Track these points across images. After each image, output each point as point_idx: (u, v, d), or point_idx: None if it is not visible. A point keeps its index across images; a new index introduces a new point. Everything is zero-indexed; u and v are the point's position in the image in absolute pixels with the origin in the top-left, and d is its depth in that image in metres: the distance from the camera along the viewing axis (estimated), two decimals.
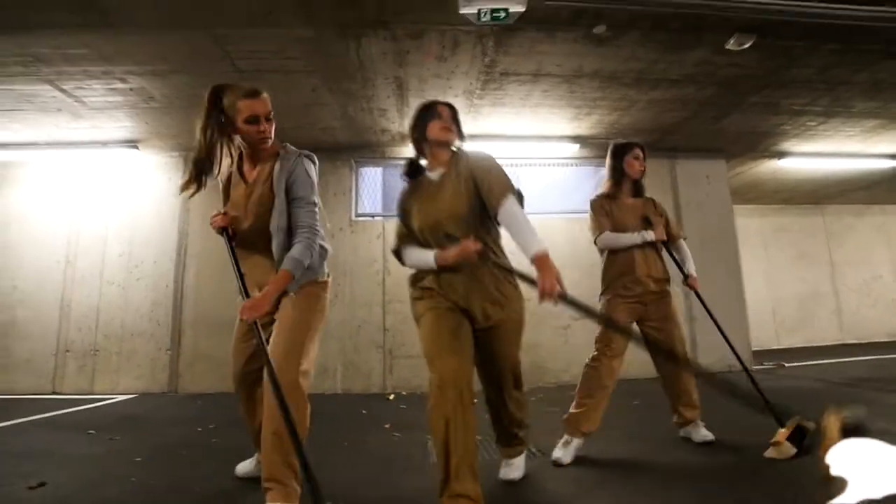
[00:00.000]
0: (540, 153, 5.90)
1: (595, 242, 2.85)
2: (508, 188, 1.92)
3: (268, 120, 2.01)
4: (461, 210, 1.99)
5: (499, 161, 2.04)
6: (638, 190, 2.95)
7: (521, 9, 3.07)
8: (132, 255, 5.57)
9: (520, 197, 1.94)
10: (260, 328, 1.85)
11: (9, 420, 3.82)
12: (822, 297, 9.34)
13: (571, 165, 6.16)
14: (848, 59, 4.10)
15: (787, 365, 6.01)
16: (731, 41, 3.70)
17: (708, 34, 3.65)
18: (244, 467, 2.38)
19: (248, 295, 1.94)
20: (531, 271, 1.78)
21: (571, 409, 2.62)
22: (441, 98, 2.23)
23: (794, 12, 3.18)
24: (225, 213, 2.06)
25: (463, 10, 3.07)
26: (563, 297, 1.67)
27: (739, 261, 6.14)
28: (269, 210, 2.00)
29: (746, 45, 3.75)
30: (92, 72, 3.92)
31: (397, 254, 2.17)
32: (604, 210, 2.85)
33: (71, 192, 5.72)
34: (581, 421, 2.55)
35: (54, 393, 5.26)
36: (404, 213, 2.14)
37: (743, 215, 9.22)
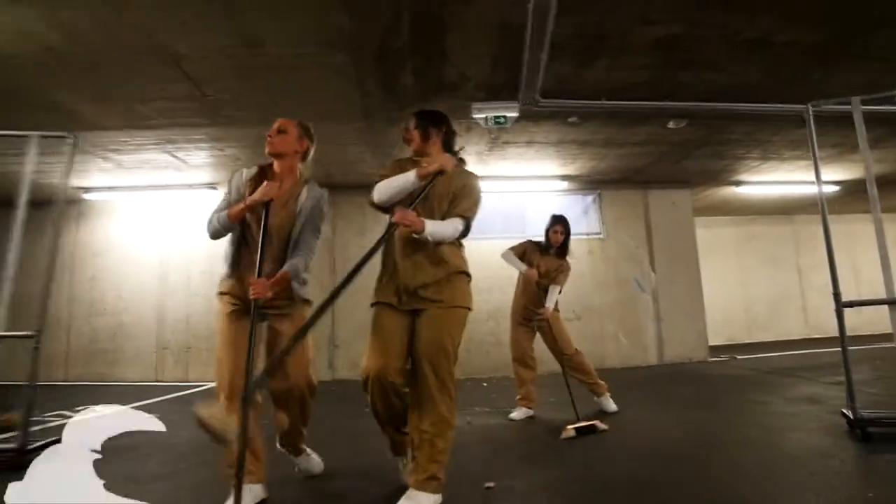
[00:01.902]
0: (536, 187, 7.26)
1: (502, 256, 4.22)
2: (468, 214, 2.33)
3: (279, 132, 2.43)
4: (442, 204, 2.33)
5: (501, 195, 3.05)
6: (561, 251, 4.21)
7: (515, 115, 4.48)
8: (213, 272, 6.99)
9: (467, 226, 2.34)
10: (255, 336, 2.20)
11: (145, 399, 5.31)
12: (790, 297, 10.63)
13: (562, 194, 7.51)
14: (765, 128, 5.44)
15: (738, 357, 7.37)
16: (671, 123, 5.08)
17: (652, 119, 5.02)
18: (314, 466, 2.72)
19: (236, 267, 2.37)
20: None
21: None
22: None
23: (706, 109, 4.58)
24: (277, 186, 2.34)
25: (474, 116, 4.49)
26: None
27: (699, 272, 7.49)
28: (290, 229, 2.38)
29: (682, 125, 5.13)
30: (202, 146, 5.38)
31: (375, 187, 2.37)
32: (523, 249, 4.20)
33: (162, 223, 7.21)
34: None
35: (157, 381, 6.77)
36: (400, 171, 2.34)
37: (719, 225, 10.55)
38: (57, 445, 3.01)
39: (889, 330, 3.15)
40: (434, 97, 4.35)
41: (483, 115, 4.46)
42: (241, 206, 2.28)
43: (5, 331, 3.11)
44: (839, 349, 3.19)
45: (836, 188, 8.00)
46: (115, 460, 3.03)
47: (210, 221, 2.37)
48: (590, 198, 7.49)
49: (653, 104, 4.48)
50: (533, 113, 4.55)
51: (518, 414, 3.97)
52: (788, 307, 10.50)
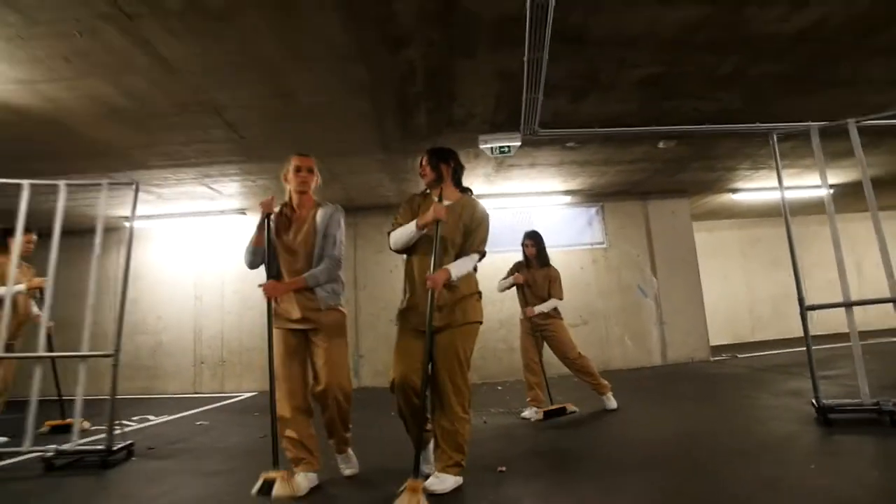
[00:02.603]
0: (541, 202, 7.74)
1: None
2: (482, 248, 2.72)
3: (309, 172, 2.81)
4: (455, 237, 2.69)
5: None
6: (541, 261, 4.59)
7: (517, 144, 4.98)
8: (244, 291, 7.60)
9: (482, 256, 2.74)
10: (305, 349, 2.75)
11: (190, 410, 5.84)
12: (792, 296, 10.91)
13: (566, 207, 7.98)
14: (751, 143, 5.88)
15: (738, 356, 7.76)
16: (661, 143, 5.54)
17: (644, 140, 5.48)
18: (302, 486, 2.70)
19: (273, 277, 2.73)
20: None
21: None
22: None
23: (688, 131, 5.05)
24: (272, 200, 2.77)
25: (481, 146, 5.00)
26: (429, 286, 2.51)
27: (699, 276, 7.90)
28: (313, 244, 2.74)
29: (672, 144, 5.59)
30: (235, 178, 5.94)
31: (390, 234, 2.77)
32: (511, 273, 4.61)
33: (195, 247, 7.79)
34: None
35: (195, 393, 7.32)
36: (411, 212, 2.79)
37: (722, 228, 10.94)
38: (133, 448, 3.57)
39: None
40: (445, 131, 4.88)
41: (489, 146, 4.96)
42: (256, 236, 2.76)
43: (87, 351, 3.65)
44: (835, 345, 3.62)
45: (829, 191, 8.35)
46: (181, 459, 3.56)
47: (246, 252, 2.84)
48: (592, 210, 7.96)
49: (641, 129, 4.99)
50: (533, 141, 5.06)
51: (529, 413, 4.42)
52: (790, 306, 10.74)
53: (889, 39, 3.74)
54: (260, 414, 5.38)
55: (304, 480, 2.63)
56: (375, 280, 7.35)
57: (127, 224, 7.29)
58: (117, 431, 3.56)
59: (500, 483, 2.66)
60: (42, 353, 3.68)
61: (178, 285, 7.72)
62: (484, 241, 2.74)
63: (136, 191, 3.96)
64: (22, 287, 4.01)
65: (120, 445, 3.52)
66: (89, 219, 6.68)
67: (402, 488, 2.28)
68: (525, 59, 3.49)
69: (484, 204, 2.86)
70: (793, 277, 3.85)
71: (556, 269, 4.63)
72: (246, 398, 6.79)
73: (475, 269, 2.81)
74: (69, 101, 3.90)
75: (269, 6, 2.97)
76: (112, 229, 7.55)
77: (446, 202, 2.68)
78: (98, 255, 3.78)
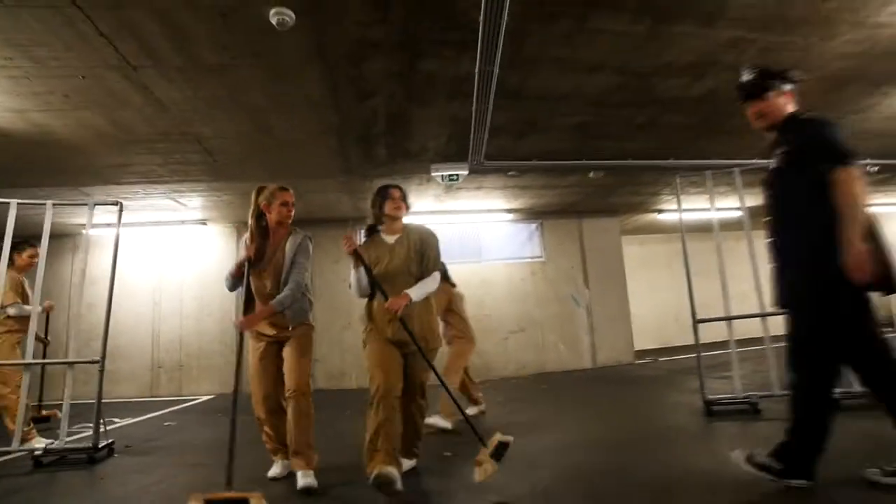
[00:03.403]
0: (486, 219, 8.44)
1: None
2: (438, 266, 2.95)
3: (292, 205, 3.07)
4: (411, 267, 2.88)
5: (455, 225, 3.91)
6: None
7: (465, 173, 5.62)
8: (203, 297, 7.91)
9: (444, 271, 3.37)
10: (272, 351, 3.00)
11: (151, 413, 6.15)
12: (713, 305, 12.11)
13: (508, 223, 8.72)
14: (667, 175, 6.75)
15: (659, 360, 8.70)
16: (591, 174, 6.33)
17: (578, 171, 6.25)
18: (274, 471, 3.10)
19: (245, 313, 2.94)
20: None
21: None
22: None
23: (610, 166, 5.85)
24: (253, 247, 2.96)
25: (432, 174, 5.62)
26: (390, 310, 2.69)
27: (626, 288, 8.80)
28: (280, 271, 2.96)
29: (601, 175, 6.39)
30: (202, 194, 6.31)
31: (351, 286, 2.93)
32: None
33: (155, 254, 8.03)
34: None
35: (153, 397, 7.56)
36: (374, 250, 2.94)
37: (652, 242, 11.97)
38: (113, 446, 3.95)
39: None
40: (400, 160, 5.48)
41: (439, 174, 5.59)
42: (236, 267, 3.01)
43: (74, 359, 4.02)
44: (745, 349, 4.42)
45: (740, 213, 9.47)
46: (161, 455, 3.99)
47: (226, 279, 3.09)
48: (532, 226, 8.74)
49: (572, 163, 5.77)
50: (479, 170, 5.72)
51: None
52: (712, 314, 11.96)
53: None
54: (222, 415, 5.79)
55: (280, 467, 3.14)
56: (332, 289, 7.81)
57: (83, 232, 7.50)
58: (102, 430, 3.93)
59: (447, 464, 3.27)
60: (31, 360, 4.00)
61: (136, 291, 7.93)
62: (437, 259, 2.97)
63: (121, 210, 4.34)
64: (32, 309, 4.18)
65: (103, 443, 3.90)
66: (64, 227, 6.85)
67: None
68: (473, 108, 4.15)
69: (433, 220, 3.30)
70: (715, 287, 4.63)
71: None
72: (206, 400, 7.12)
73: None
74: (58, 128, 4.25)
75: (259, 64, 3.49)
76: (67, 235, 7.73)
77: (395, 237, 2.95)
78: (82, 270, 4.15)
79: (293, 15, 2.95)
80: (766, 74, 2.50)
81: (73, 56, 3.25)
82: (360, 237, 3.34)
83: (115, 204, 4.34)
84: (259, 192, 3.14)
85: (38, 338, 4.27)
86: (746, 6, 3.24)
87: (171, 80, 3.59)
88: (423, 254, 2.93)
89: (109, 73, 3.47)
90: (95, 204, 4.29)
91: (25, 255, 4.40)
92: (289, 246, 3.04)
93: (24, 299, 4.32)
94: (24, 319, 4.22)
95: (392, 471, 2.49)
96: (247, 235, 3.07)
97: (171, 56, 3.32)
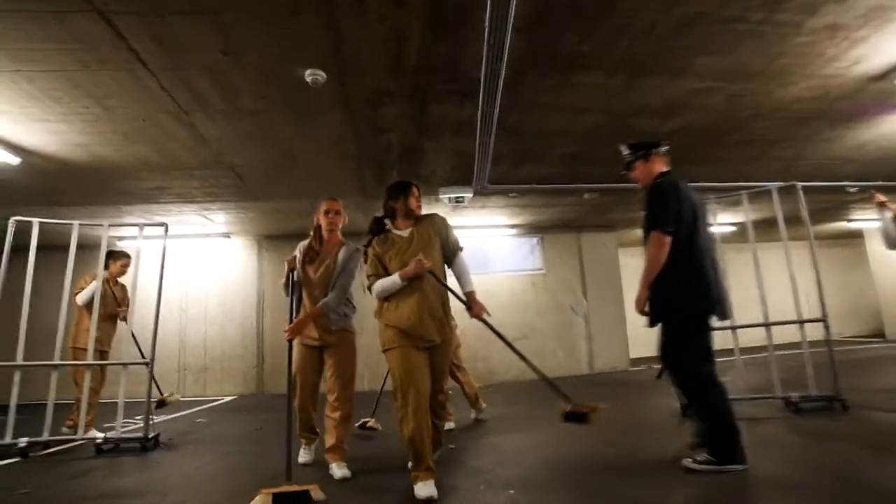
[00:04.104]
0: (490, 234, 9.00)
1: None
2: (459, 245, 3.04)
3: (336, 214, 3.44)
4: (434, 254, 2.92)
5: (462, 239, 3.96)
6: None
7: (470, 195, 6.19)
8: (226, 304, 8.51)
9: (461, 249, 3.08)
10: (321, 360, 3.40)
11: (182, 412, 6.73)
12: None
13: (511, 237, 9.28)
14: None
15: (653, 367, 9.17)
16: (586, 195, 6.88)
17: (573, 192, 6.80)
18: (304, 458, 3.59)
19: (291, 321, 3.24)
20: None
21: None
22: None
23: (599, 188, 6.39)
24: (294, 258, 3.36)
25: (440, 196, 6.19)
26: (484, 319, 2.91)
27: (623, 298, 9.31)
28: (330, 277, 3.35)
29: (595, 195, 6.94)
30: (231, 212, 6.92)
31: (370, 287, 2.94)
32: None
33: (183, 264, 8.64)
34: None
35: (181, 397, 8.14)
36: (379, 259, 2.93)
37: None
38: (159, 438, 4.51)
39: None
40: None
41: (447, 196, 6.16)
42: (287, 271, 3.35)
43: (125, 361, 4.61)
44: (748, 356, 4.92)
45: (733, 228, 10.01)
46: (200, 445, 4.56)
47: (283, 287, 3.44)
48: (534, 240, 9.30)
49: (566, 186, 6.32)
50: (483, 192, 6.29)
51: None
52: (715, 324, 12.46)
53: (736, 138, 5.18)
54: (246, 413, 6.37)
55: (310, 454, 3.69)
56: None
57: (120, 244, 8.14)
58: (151, 422, 4.51)
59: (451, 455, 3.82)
60: (91, 362, 4.60)
61: (164, 298, 8.48)
62: (457, 239, 3.09)
63: (166, 231, 4.95)
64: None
65: (151, 435, 4.48)
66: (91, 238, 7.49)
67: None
68: (477, 143, 4.73)
69: None
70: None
71: None
72: (229, 401, 7.71)
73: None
74: (112, 158, 4.87)
75: (290, 109, 4.08)
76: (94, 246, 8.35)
77: (407, 231, 3.00)
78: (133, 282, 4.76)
79: (325, 75, 3.54)
80: (635, 148, 3.34)
81: (137, 104, 3.86)
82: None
83: (161, 225, 4.94)
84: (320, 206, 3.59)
85: (121, 317, 5.00)
86: (709, 63, 3.79)
87: (214, 120, 4.19)
88: (445, 236, 3.04)
89: (164, 117, 4.08)
90: (145, 225, 4.91)
91: (119, 263, 5.03)
92: (341, 255, 3.38)
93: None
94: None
95: (433, 489, 2.69)
96: (291, 256, 3.44)
97: (216, 102, 3.92)
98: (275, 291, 8.47)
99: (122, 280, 5.20)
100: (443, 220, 3.10)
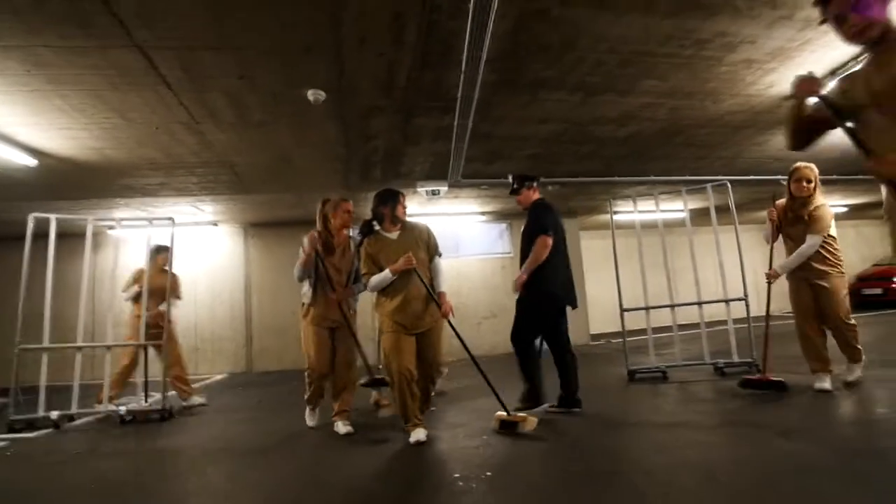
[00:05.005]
0: (462, 220, 9.68)
1: None
2: (439, 251, 3.64)
3: (350, 213, 4.00)
4: (420, 255, 3.50)
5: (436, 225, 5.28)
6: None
7: (445, 188, 6.84)
8: (214, 288, 9.01)
9: (439, 255, 3.68)
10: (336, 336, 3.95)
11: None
12: (661, 294, 13.67)
13: (482, 223, 9.98)
14: (615, 188, 8.07)
15: (612, 341, 10.09)
16: (549, 187, 7.60)
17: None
18: (312, 422, 4.13)
19: (333, 289, 3.81)
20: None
21: None
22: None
23: (562, 182, 7.13)
24: (316, 237, 3.82)
25: (418, 189, 6.82)
26: (448, 320, 3.56)
27: (584, 279, 10.15)
28: (351, 265, 3.97)
29: (557, 187, 7.67)
30: (222, 203, 7.40)
31: (365, 283, 3.55)
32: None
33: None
34: None
35: None
36: (373, 258, 3.47)
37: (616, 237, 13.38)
38: (172, 409, 5.08)
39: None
40: (392, 179, 6.66)
41: (424, 189, 6.79)
42: (305, 258, 3.85)
43: (143, 340, 5.17)
44: (693, 332, 5.72)
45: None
46: (210, 415, 5.17)
47: (296, 271, 3.95)
48: (503, 226, 10.02)
49: None
50: (457, 185, 6.94)
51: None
52: (661, 301, 13.51)
53: (681, 140, 5.96)
54: (242, 389, 6.98)
55: (316, 418, 4.32)
56: None
57: (110, 232, 8.54)
58: (168, 395, 5.10)
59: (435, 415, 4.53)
60: (110, 343, 5.14)
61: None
62: (437, 245, 3.69)
63: (174, 224, 5.46)
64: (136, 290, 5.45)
65: (169, 407, 5.06)
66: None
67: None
68: (452, 146, 5.37)
69: (417, 220, 3.87)
70: (663, 279, 5.88)
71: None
72: (223, 378, 8.27)
73: None
74: (122, 159, 5.33)
75: (292, 121, 4.64)
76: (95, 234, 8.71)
77: (396, 233, 3.60)
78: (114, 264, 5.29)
79: (325, 94, 4.12)
80: (519, 179, 4.51)
81: (155, 116, 4.36)
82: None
83: (170, 219, 5.46)
84: (325, 203, 4.04)
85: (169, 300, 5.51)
86: (651, 85, 4.50)
87: (222, 130, 4.72)
88: (428, 242, 3.65)
89: (177, 126, 4.59)
90: (154, 219, 5.42)
91: (162, 256, 5.60)
92: (353, 247, 4.00)
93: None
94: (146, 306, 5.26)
95: (423, 435, 3.46)
96: (312, 234, 3.89)
97: (227, 116, 4.46)
98: (261, 275, 9.01)
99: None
100: (427, 228, 3.70)
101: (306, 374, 4.11)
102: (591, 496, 2.42)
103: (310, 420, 4.27)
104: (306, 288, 4.01)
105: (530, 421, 3.57)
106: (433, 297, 3.56)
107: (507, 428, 3.62)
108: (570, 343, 4.31)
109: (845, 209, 12.32)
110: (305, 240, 3.91)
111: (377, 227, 3.62)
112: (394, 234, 3.56)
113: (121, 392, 5.41)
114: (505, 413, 3.70)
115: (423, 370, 3.61)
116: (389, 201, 3.59)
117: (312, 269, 3.90)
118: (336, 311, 3.90)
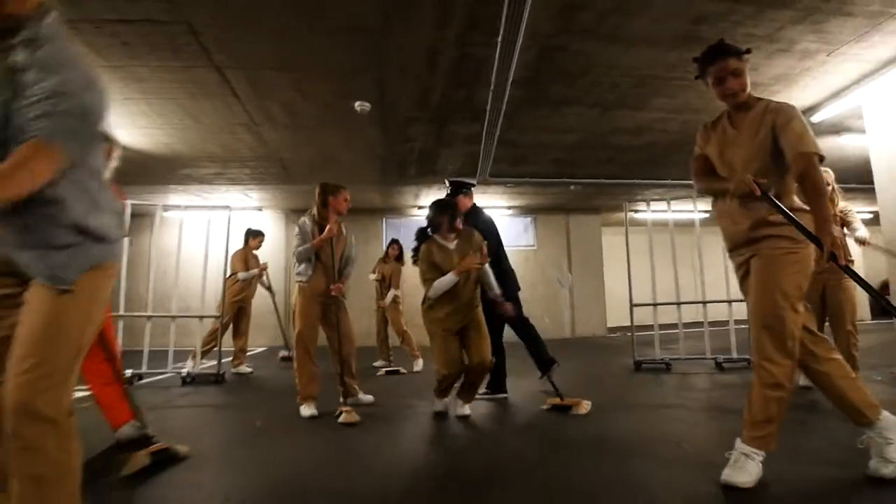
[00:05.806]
0: (491, 214, 10.15)
1: None
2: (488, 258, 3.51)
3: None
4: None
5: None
6: (398, 260, 7.09)
7: (474, 185, 7.35)
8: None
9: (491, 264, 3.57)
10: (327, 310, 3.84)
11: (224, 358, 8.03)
12: (688, 289, 13.98)
13: (508, 217, 10.48)
14: (632, 190, 8.47)
15: (627, 334, 10.51)
16: (571, 187, 8.06)
17: (562, 185, 7.98)
18: (309, 412, 3.72)
19: (334, 277, 3.78)
20: None
21: None
22: (434, 197, 5.17)
23: (584, 183, 7.59)
24: (332, 230, 3.71)
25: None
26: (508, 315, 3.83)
27: (603, 274, 10.59)
28: (344, 249, 3.95)
29: (579, 188, 8.12)
30: (267, 191, 8.08)
31: (427, 289, 3.43)
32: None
33: (223, 233, 9.84)
34: None
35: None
36: (438, 266, 3.39)
37: (634, 234, 13.71)
38: (224, 374, 5.78)
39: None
40: (426, 175, 7.22)
41: None
42: (319, 241, 3.74)
43: (202, 314, 5.88)
44: (690, 331, 6.21)
45: (706, 215, 11.21)
46: (261, 380, 5.85)
47: (300, 253, 3.78)
48: (528, 220, 10.51)
49: (556, 180, 7.49)
50: (485, 182, 7.47)
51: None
52: (673, 298, 13.84)
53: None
54: (283, 361, 7.71)
55: (313, 408, 4.62)
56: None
57: (164, 213, 9.33)
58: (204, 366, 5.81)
59: None
60: (176, 313, 5.88)
61: (209, 265, 9.77)
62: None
63: (230, 213, 6.14)
64: (255, 272, 6.42)
65: (219, 372, 5.77)
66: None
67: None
68: (482, 149, 5.90)
69: None
70: (690, 274, 6.34)
71: (399, 266, 6.22)
72: (261, 351, 9.03)
73: None
74: (187, 153, 6.02)
75: (340, 127, 5.24)
76: (144, 215, 9.55)
77: (453, 243, 3.50)
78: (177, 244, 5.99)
79: (369, 106, 4.69)
80: (455, 185, 4.49)
81: (222, 119, 5.02)
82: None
83: (226, 208, 6.14)
84: (325, 186, 3.94)
85: (266, 287, 6.47)
86: (662, 103, 4.95)
87: (278, 132, 5.35)
88: (481, 250, 3.51)
89: (238, 127, 5.24)
90: (213, 207, 6.11)
91: (255, 241, 6.32)
92: (346, 232, 4.03)
93: (247, 269, 6.34)
94: (244, 283, 6.35)
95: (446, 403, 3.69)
96: (312, 213, 3.86)
97: (284, 120, 5.08)
98: None
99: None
100: (480, 236, 3.64)
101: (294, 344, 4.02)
102: (567, 459, 2.97)
103: (308, 411, 3.84)
104: (303, 267, 3.90)
105: (584, 405, 3.71)
106: (486, 301, 3.69)
107: (561, 411, 3.76)
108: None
109: (870, 216, 12.39)
110: (306, 219, 3.89)
111: (435, 236, 3.58)
112: (451, 244, 3.54)
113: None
114: (558, 399, 3.88)
115: (475, 363, 3.56)
116: (447, 212, 3.52)
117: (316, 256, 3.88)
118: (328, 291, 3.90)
